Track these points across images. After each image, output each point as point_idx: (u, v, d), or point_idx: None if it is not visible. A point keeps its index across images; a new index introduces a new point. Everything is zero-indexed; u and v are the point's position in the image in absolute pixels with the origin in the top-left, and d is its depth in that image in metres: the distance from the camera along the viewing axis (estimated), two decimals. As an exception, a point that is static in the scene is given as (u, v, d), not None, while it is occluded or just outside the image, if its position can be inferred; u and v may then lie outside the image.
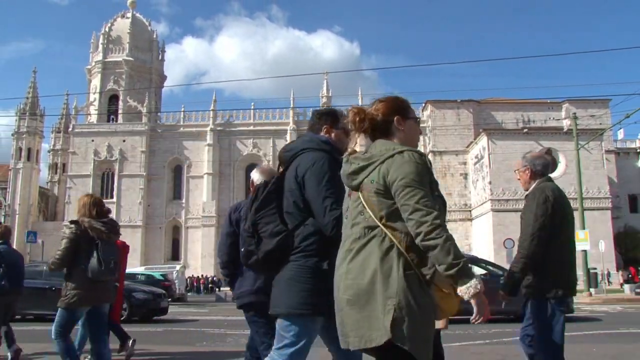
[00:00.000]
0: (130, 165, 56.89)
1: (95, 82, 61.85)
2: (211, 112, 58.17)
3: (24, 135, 61.86)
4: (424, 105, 56.41)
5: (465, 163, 53.02)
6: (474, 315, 2.33)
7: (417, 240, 2.24)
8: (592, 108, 50.84)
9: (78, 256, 5.02)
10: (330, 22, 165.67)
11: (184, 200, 56.80)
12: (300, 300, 2.95)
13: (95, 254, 5.04)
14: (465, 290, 2.23)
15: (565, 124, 47.73)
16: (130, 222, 54.85)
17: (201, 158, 56.82)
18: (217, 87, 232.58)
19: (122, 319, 13.51)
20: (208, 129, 57.52)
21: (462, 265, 2.21)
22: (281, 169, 3.32)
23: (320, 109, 3.54)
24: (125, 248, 8.96)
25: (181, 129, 58.59)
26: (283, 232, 3.06)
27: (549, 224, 3.98)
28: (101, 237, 5.09)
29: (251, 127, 58.27)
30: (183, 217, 56.25)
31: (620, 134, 55.36)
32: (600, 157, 47.55)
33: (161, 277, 28.48)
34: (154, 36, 65.99)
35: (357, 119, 2.62)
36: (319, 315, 2.99)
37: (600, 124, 47.36)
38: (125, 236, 51.81)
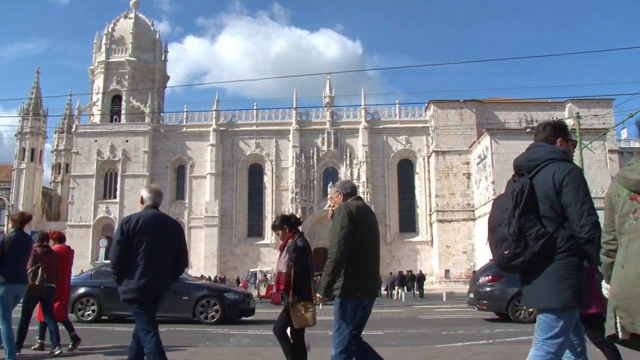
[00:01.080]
0: (133, 166, 56.95)
1: (98, 82, 61.93)
2: (214, 112, 58.21)
3: (27, 136, 62.02)
4: (426, 105, 56.45)
5: (468, 163, 53.00)
6: None
7: None
8: (595, 107, 50.77)
9: None
10: (333, 20, 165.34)
11: (186, 201, 56.82)
12: (571, 295, 3.37)
13: None
14: None
15: (569, 123, 47.60)
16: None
17: (204, 158, 56.85)
18: (219, 87, 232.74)
19: (214, 320, 14.02)
20: (211, 129, 57.54)
21: None
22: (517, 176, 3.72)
23: (552, 121, 3.96)
24: (69, 252, 9.22)
25: (184, 129, 58.59)
26: (546, 235, 3.44)
27: (353, 233, 4.66)
28: None
29: (254, 127, 58.24)
30: (186, 217, 56.21)
31: (624, 134, 55.29)
32: (603, 156, 47.44)
33: None
34: (157, 36, 66.04)
35: None
36: (581, 308, 3.52)
37: (604, 123, 47.25)
38: (128, 236, 51.60)
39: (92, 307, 14.48)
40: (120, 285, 5.26)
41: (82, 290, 14.61)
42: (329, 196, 5.37)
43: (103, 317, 14.58)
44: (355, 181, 54.98)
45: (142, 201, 5.55)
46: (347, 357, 4.68)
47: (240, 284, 37.84)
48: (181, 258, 5.60)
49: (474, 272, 20.20)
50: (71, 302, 14.05)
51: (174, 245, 5.51)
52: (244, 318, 15.12)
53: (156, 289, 5.32)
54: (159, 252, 5.29)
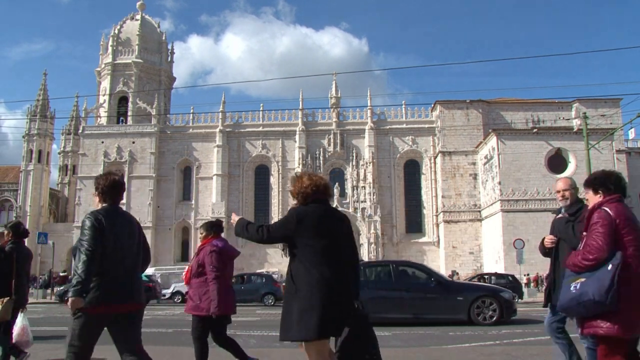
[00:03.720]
0: (139, 167, 57.15)
1: (105, 83, 62.21)
2: (220, 114, 58.34)
3: (35, 137, 62.34)
4: (433, 105, 56.37)
5: (474, 163, 52.88)
6: None
7: None
8: (602, 107, 50.52)
9: None
10: (338, 18, 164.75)
11: (193, 202, 56.97)
12: None
13: None
14: None
15: (576, 123, 47.46)
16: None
17: (210, 159, 56.99)
18: (223, 86, 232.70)
19: (492, 320, 13.46)
20: (217, 130, 57.68)
21: None
22: None
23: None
24: None
25: (190, 130, 58.74)
26: None
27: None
28: None
29: (260, 128, 58.33)
30: (192, 218, 56.39)
31: (632, 134, 55.08)
32: (611, 157, 47.25)
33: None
34: (163, 38, 66.26)
35: None
36: None
37: (611, 123, 47.04)
38: (135, 237, 51.88)
39: None
40: None
41: None
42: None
43: None
44: (361, 182, 55.03)
45: None
46: None
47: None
48: None
49: None
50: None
51: None
52: (513, 318, 14.43)
53: None
54: None
